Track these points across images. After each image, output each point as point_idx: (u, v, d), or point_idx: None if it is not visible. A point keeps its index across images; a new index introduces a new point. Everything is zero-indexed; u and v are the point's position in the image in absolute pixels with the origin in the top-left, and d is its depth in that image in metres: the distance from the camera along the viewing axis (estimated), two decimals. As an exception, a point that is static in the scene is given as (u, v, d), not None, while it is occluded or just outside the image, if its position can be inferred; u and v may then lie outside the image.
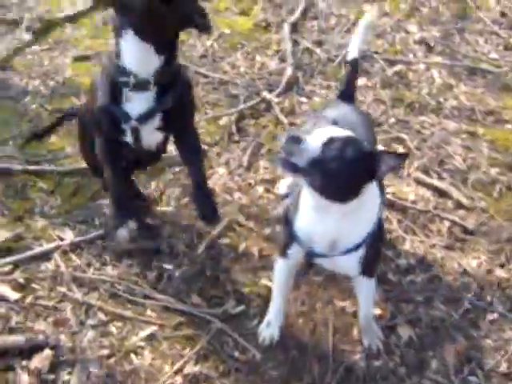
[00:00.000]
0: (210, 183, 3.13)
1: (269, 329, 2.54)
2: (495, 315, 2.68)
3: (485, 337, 2.60)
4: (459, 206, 3.17)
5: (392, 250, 2.93)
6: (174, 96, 2.49)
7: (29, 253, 2.87)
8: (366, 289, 2.44)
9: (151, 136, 2.57)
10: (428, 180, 3.28)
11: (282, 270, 2.46)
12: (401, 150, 3.43)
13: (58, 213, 3.09)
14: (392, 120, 3.68)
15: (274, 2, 4.70)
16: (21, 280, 2.76)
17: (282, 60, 4.13)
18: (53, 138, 3.50)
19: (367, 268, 2.31)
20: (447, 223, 3.08)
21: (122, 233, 2.79)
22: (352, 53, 2.83)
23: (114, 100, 2.46)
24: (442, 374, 2.46)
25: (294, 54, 4.13)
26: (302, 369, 2.44)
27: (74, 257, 2.84)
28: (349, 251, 2.21)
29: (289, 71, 3.98)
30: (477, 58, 4.21)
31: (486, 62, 4.18)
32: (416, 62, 4.15)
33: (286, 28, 4.34)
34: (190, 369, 2.43)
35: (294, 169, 2.05)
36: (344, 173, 2.03)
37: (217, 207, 2.74)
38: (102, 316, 2.64)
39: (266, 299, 2.63)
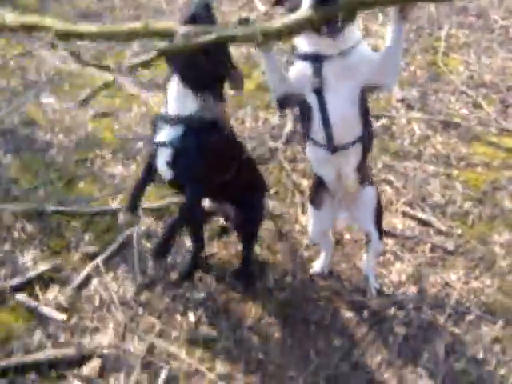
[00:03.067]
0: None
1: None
2: (472, 317, 2.96)
3: (465, 334, 2.88)
4: (439, 232, 3.41)
5: (385, 268, 3.19)
6: (187, 141, 2.59)
7: (70, 280, 3.08)
8: None
9: (163, 167, 2.67)
10: (413, 213, 3.52)
11: None
12: (389, 189, 3.67)
13: (92, 247, 3.28)
14: (380, 165, 3.87)
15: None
16: (65, 304, 2.98)
17: (283, 116, 4.32)
18: (81, 184, 3.73)
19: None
20: (430, 246, 3.33)
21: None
22: None
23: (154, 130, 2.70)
24: (433, 362, 2.74)
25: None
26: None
27: (112, 282, 3.10)
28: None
29: (289, 124, 4.23)
30: (450, 113, 4.40)
31: (458, 116, 4.36)
32: (398, 117, 4.34)
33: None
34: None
35: None
36: None
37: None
38: (143, 326, 2.89)
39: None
